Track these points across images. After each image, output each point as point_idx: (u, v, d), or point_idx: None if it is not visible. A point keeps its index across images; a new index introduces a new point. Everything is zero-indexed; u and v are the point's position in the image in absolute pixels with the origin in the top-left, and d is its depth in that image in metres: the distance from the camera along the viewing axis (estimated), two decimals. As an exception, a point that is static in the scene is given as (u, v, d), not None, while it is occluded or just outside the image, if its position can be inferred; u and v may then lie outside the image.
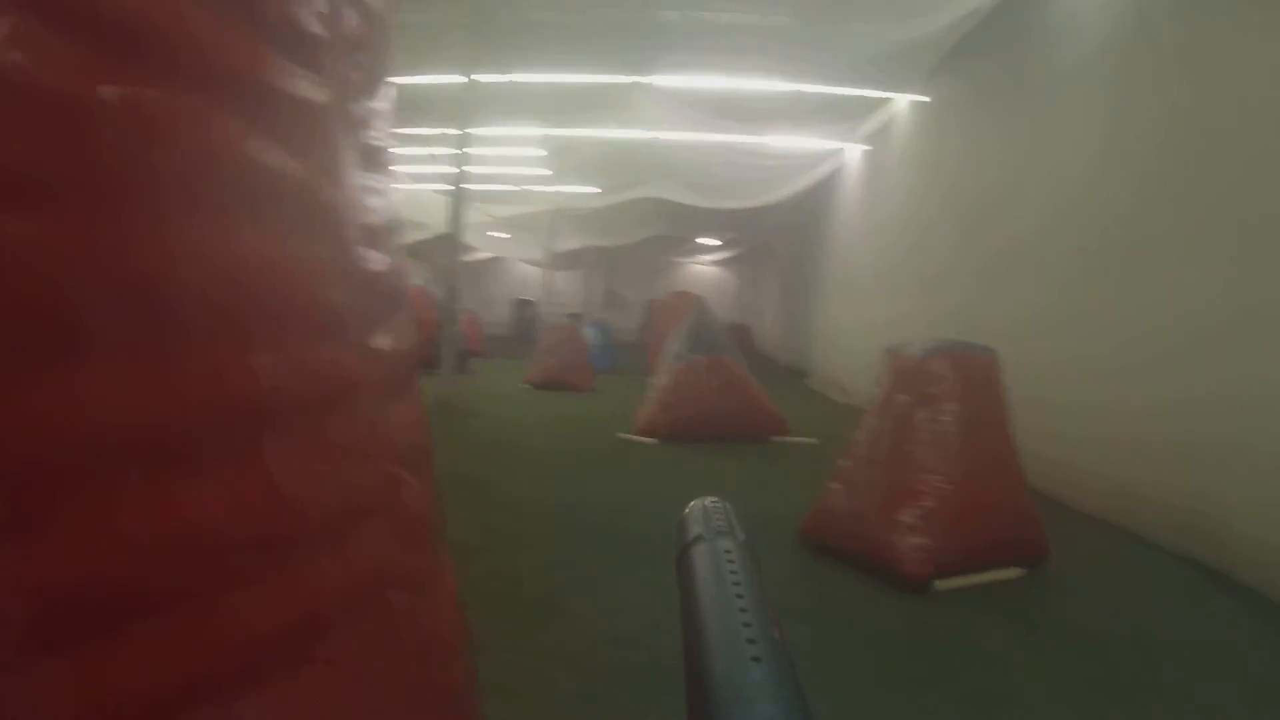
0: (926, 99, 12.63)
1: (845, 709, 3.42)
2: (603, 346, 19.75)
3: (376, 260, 0.88)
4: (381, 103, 0.92)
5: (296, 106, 0.73)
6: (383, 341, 0.90)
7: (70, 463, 0.55)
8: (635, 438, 10.14)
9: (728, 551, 0.61)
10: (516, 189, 21.99)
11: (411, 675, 0.87)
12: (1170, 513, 5.93)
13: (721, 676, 0.49)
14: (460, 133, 12.41)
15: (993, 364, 5.47)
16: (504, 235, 27.36)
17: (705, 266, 38.79)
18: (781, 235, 26.11)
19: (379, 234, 0.89)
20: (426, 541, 1.01)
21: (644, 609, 4.37)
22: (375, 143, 0.90)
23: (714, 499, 0.69)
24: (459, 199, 12.51)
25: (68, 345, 0.56)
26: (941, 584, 4.90)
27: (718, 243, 31.55)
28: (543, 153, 18.23)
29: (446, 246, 12.83)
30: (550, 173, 20.03)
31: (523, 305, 33.61)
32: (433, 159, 17.08)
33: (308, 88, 0.75)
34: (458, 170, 12.58)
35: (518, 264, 36.04)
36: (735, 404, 10.36)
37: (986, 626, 4.47)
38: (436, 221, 18.16)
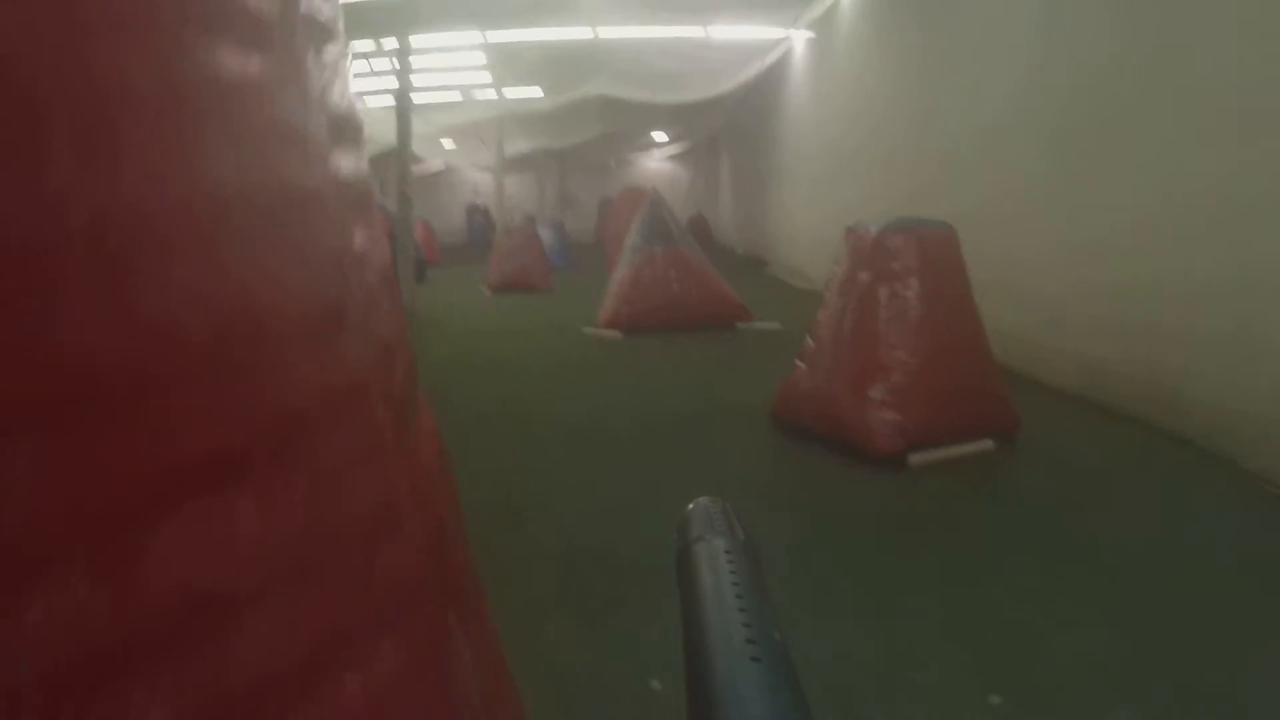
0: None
1: (825, 585, 3.54)
2: (559, 247, 19.62)
3: (345, 165, 0.90)
4: (334, 13, 0.92)
5: (249, 11, 0.73)
6: (361, 236, 0.92)
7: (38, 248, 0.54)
8: (600, 331, 10.19)
9: (727, 551, 0.62)
10: (460, 100, 21.51)
11: (397, 492, 0.90)
12: (1136, 385, 6.02)
13: (721, 676, 0.49)
14: (400, 44, 12.12)
15: (952, 239, 5.46)
16: (451, 144, 26.85)
17: (658, 162, 38.25)
18: (733, 126, 25.78)
19: (347, 139, 0.91)
20: (401, 366, 1.04)
21: (616, 506, 4.49)
22: (332, 53, 0.90)
23: (714, 499, 0.69)
24: (404, 110, 12.26)
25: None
26: (915, 458, 5.01)
27: (669, 138, 31.09)
28: (483, 58, 17.82)
29: (396, 158, 12.61)
30: (491, 78, 19.60)
31: (476, 211, 33.12)
32: (373, 73, 16.65)
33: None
34: (401, 82, 12.31)
35: (469, 171, 35.39)
36: (695, 293, 10.43)
37: (961, 497, 4.62)
38: (382, 135, 17.73)
